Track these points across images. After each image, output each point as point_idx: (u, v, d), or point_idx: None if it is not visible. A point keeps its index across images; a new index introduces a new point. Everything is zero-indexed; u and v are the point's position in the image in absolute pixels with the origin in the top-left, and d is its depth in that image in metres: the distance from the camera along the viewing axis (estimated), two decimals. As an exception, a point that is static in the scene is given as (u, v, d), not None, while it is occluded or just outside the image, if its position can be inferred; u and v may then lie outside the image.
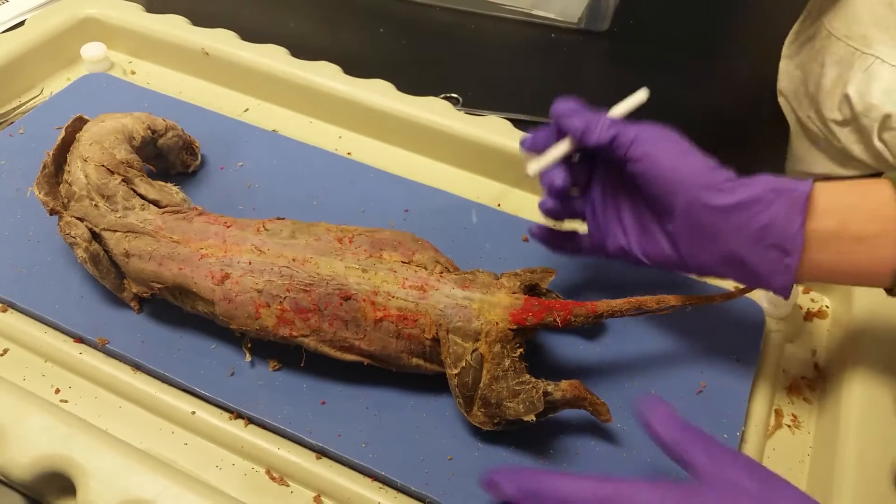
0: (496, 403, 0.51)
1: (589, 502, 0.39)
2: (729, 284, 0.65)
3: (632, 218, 0.54)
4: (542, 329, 0.53)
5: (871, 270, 0.46)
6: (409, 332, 0.53)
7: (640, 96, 0.55)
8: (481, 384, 0.51)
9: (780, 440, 0.57)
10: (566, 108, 0.53)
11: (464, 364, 0.51)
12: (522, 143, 0.56)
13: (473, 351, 0.51)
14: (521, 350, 0.52)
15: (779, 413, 0.58)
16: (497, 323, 0.51)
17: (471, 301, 0.52)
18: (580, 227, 0.58)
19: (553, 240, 0.59)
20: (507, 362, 0.51)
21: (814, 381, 0.60)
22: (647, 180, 0.50)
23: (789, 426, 0.57)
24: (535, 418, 0.50)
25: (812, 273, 0.47)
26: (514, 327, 0.51)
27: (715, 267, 0.50)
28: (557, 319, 0.52)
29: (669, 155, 0.49)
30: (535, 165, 0.54)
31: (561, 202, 0.56)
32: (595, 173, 0.56)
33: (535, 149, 0.55)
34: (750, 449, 0.55)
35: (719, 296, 0.55)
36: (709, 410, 0.55)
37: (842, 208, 0.46)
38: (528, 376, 0.51)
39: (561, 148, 0.54)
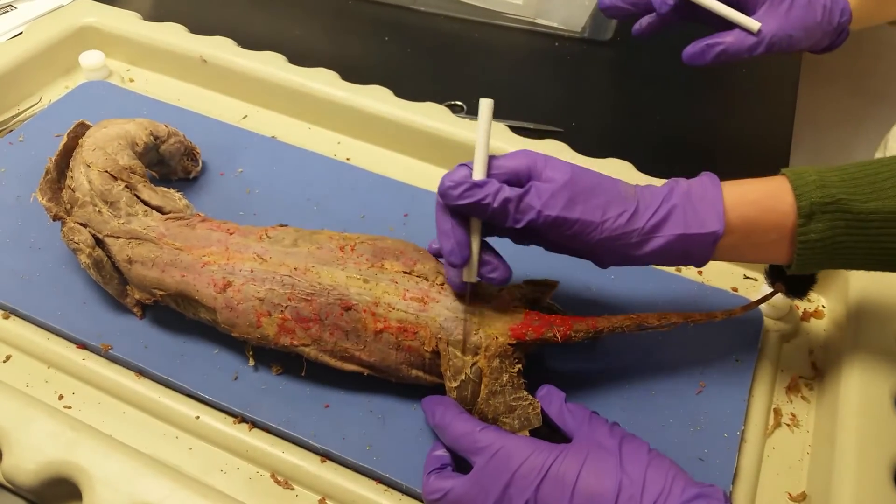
0: (493, 418, 0.51)
1: (470, 443, 0.48)
2: (732, 283, 0.66)
3: (569, 252, 0.53)
4: (542, 344, 0.53)
5: (772, 260, 0.53)
6: (409, 344, 0.53)
7: (486, 111, 0.52)
8: (479, 398, 0.51)
9: (780, 439, 0.57)
10: (453, 198, 0.49)
11: (463, 377, 0.51)
12: (452, 262, 0.50)
13: (472, 365, 0.51)
14: (519, 366, 0.52)
15: (777, 412, 0.58)
16: (497, 337, 0.52)
17: (471, 314, 0.53)
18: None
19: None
20: (505, 377, 0.51)
21: (812, 381, 0.61)
22: (568, 241, 0.51)
23: (788, 425, 0.58)
24: (528, 434, 0.50)
25: (717, 259, 0.52)
26: (514, 342, 0.52)
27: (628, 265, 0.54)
28: (557, 335, 0.52)
29: (585, 224, 0.49)
30: (473, 273, 0.51)
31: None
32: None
33: (464, 258, 0.50)
34: (750, 448, 0.55)
35: (721, 313, 0.55)
36: (708, 410, 0.56)
37: (745, 225, 0.50)
38: (525, 392, 0.51)
39: (477, 239, 0.50)
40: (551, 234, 0.50)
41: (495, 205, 0.48)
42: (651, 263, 0.52)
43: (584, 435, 0.48)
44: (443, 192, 0.49)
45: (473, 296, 0.53)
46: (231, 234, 0.58)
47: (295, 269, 0.55)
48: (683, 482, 0.45)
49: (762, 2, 0.66)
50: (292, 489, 0.53)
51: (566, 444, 0.48)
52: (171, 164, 0.69)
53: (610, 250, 0.51)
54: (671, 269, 0.67)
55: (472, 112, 0.84)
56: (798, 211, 0.49)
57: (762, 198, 0.50)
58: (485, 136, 0.50)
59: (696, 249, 0.50)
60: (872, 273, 0.62)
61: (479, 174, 0.49)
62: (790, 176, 0.50)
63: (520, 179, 0.50)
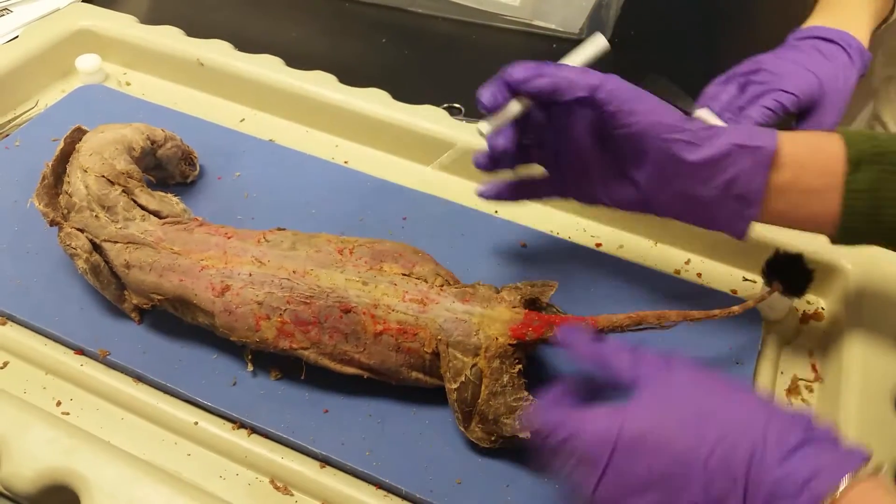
0: (493, 419, 0.51)
1: (548, 427, 0.44)
2: (731, 285, 0.66)
3: (598, 167, 0.55)
4: (542, 344, 0.53)
5: (818, 220, 0.51)
6: (408, 345, 0.53)
7: (598, 44, 0.56)
8: (480, 399, 0.51)
9: (780, 442, 0.57)
10: (526, 72, 0.52)
11: (463, 379, 0.51)
12: (480, 103, 0.54)
13: (473, 366, 0.51)
14: (519, 366, 0.52)
15: (778, 415, 0.58)
16: (497, 338, 0.51)
17: (471, 315, 0.52)
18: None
19: (509, 194, 0.60)
20: (505, 378, 0.51)
21: (812, 383, 0.61)
22: (620, 132, 0.51)
23: (789, 428, 0.58)
24: (530, 436, 0.50)
25: (767, 219, 0.52)
26: (514, 342, 0.51)
27: (678, 211, 0.54)
28: (557, 334, 0.52)
29: (643, 108, 0.50)
30: (488, 126, 0.54)
31: (505, 154, 0.56)
32: (554, 124, 0.56)
33: (494, 103, 0.53)
34: (750, 451, 0.55)
35: (720, 312, 0.55)
36: (709, 413, 0.56)
37: (796, 161, 0.49)
38: (525, 393, 0.51)
39: (513, 109, 0.54)
40: (606, 117, 0.51)
41: (557, 77, 0.51)
42: (698, 191, 0.50)
43: (647, 384, 0.44)
44: (509, 72, 0.53)
45: (473, 296, 0.53)
46: (229, 237, 0.58)
47: (293, 272, 0.54)
48: (783, 427, 0.40)
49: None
50: (292, 495, 0.53)
51: (630, 404, 0.43)
52: (168, 169, 0.69)
53: (659, 149, 0.50)
54: (670, 271, 0.67)
55: (471, 114, 0.84)
56: (847, 158, 0.48)
57: (813, 141, 0.50)
58: (582, 56, 0.55)
59: (749, 171, 0.49)
60: (871, 275, 0.63)
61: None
62: (841, 130, 0.50)
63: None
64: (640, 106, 0.50)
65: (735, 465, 0.39)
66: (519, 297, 0.54)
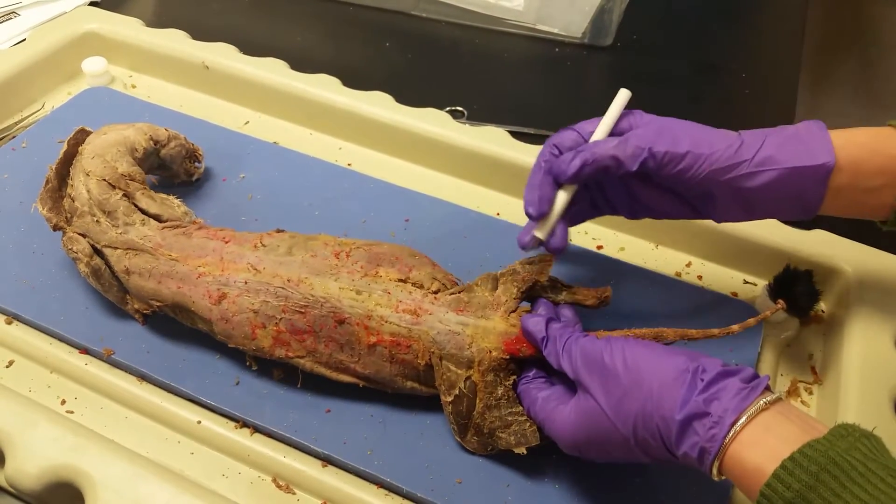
0: (489, 433, 0.51)
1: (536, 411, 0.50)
2: (732, 287, 0.66)
3: (660, 208, 0.56)
4: (536, 357, 0.51)
5: (873, 212, 0.53)
6: (402, 357, 0.53)
7: (622, 98, 0.55)
8: (475, 412, 0.51)
9: (780, 443, 0.57)
10: (570, 164, 0.52)
11: (457, 392, 0.51)
12: (529, 214, 0.54)
13: (467, 379, 0.51)
14: (514, 377, 0.52)
15: (777, 416, 0.59)
16: (490, 351, 0.51)
17: (464, 327, 0.52)
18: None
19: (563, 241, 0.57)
20: (500, 391, 0.51)
21: (811, 385, 0.61)
22: (681, 185, 0.53)
23: (788, 429, 0.58)
24: (525, 451, 0.50)
25: (825, 212, 0.53)
26: (508, 356, 0.51)
27: (737, 218, 0.55)
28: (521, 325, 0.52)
29: (695, 156, 0.51)
30: (543, 230, 0.54)
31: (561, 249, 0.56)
32: (607, 195, 0.57)
33: (542, 212, 0.53)
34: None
35: (719, 332, 0.54)
36: (709, 414, 0.56)
37: (854, 164, 0.50)
38: (521, 407, 0.51)
39: (562, 201, 0.54)
40: (663, 175, 0.51)
41: (603, 160, 0.51)
42: (766, 210, 0.52)
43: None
44: (553, 169, 0.53)
45: (468, 304, 0.53)
46: (227, 242, 0.58)
47: (288, 280, 0.55)
48: (673, 396, 0.43)
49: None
50: (294, 493, 0.53)
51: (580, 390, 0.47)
52: (172, 168, 0.69)
53: (722, 187, 0.51)
54: (671, 274, 0.67)
55: (473, 118, 0.85)
56: None
57: (870, 141, 0.51)
58: (612, 114, 0.54)
59: (810, 186, 0.50)
60: (871, 278, 0.63)
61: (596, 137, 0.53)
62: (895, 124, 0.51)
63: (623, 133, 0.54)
64: (694, 157, 0.51)
65: (651, 444, 0.43)
66: (515, 290, 0.54)
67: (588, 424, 0.46)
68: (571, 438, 0.47)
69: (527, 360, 0.52)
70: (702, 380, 0.42)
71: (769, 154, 0.50)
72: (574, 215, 0.58)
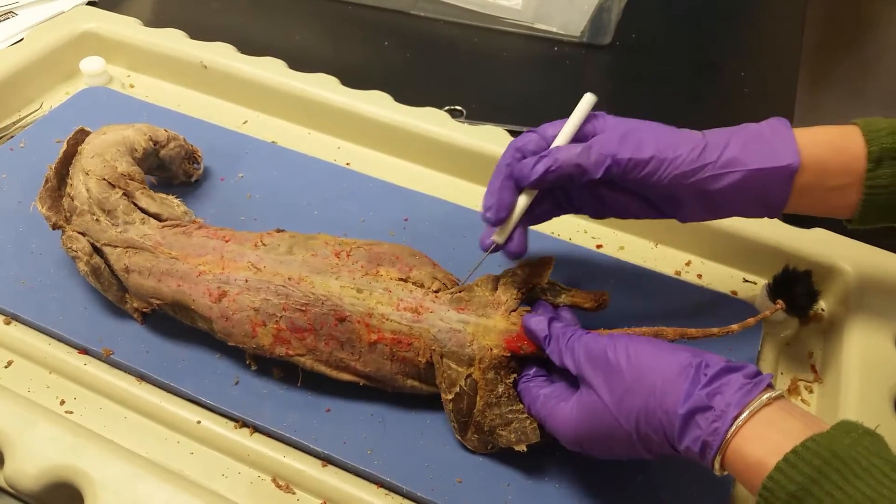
0: (489, 431, 0.51)
1: (538, 409, 0.50)
2: (732, 286, 0.66)
3: (622, 209, 0.55)
4: (537, 355, 0.52)
5: (839, 210, 0.52)
6: (403, 355, 0.53)
7: (586, 103, 0.54)
8: (475, 410, 0.51)
9: (780, 442, 0.57)
10: (531, 169, 0.52)
11: (458, 389, 0.51)
12: (488, 219, 0.53)
13: (467, 376, 0.51)
14: (514, 375, 0.52)
15: (777, 415, 0.59)
16: (491, 349, 0.51)
17: (465, 325, 0.52)
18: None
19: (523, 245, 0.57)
20: (500, 388, 0.51)
21: (811, 383, 0.61)
22: (645, 190, 0.52)
23: (788, 428, 0.58)
24: (525, 449, 0.50)
25: (789, 210, 0.53)
26: (509, 354, 0.51)
27: (703, 218, 0.55)
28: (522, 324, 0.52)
29: (659, 160, 0.50)
30: (503, 235, 0.53)
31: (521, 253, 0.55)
32: (568, 194, 0.56)
33: (499, 218, 0.53)
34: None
35: (718, 331, 0.54)
36: (709, 413, 0.56)
37: (818, 164, 0.50)
38: (521, 405, 0.51)
39: (522, 205, 0.53)
40: (627, 180, 0.51)
41: (566, 167, 0.51)
42: (731, 210, 0.52)
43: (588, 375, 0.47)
44: (514, 172, 0.52)
45: (469, 303, 0.53)
46: (227, 241, 0.58)
47: (289, 278, 0.55)
48: (676, 391, 0.43)
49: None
50: (294, 493, 0.53)
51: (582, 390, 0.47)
52: (171, 169, 0.69)
53: (687, 190, 0.51)
54: (671, 273, 0.67)
55: (472, 117, 0.85)
56: (868, 155, 0.49)
57: (834, 139, 0.51)
58: (575, 120, 0.53)
59: (774, 186, 0.50)
60: (870, 277, 0.63)
61: (559, 142, 0.53)
62: (861, 124, 0.51)
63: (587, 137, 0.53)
64: (658, 162, 0.50)
65: (653, 440, 0.43)
66: (516, 291, 0.54)
67: (591, 420, 0.46)
68: (574, 434, 0.47)
69: (527, 358, 0.52)
70: (705, 374, 0.42)
71: (733, 156, 0.50)
72: (538, 215, 0.57)
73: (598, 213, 0.56)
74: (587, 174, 0.51)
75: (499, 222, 0.53)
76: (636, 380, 0.44)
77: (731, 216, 0.54)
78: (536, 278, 0.55)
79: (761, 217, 0.54)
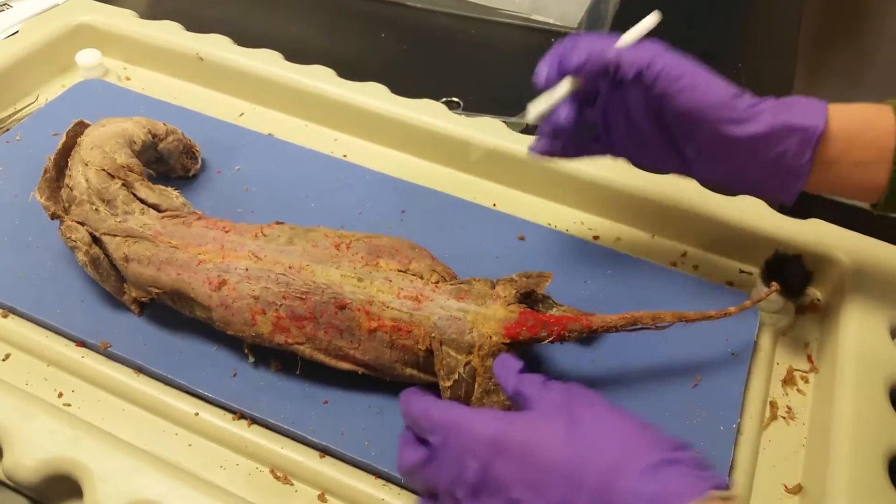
0: None
1: (427, 420, 0.45)
2: (728, 277, 0.66)
3: (649, 138, 0.55)
4: (536, 343, 0.53)
5: (864, 189, 0.52)
6: (402, 342, 0.53)
7: (650, 20, 0.54)
8: (473, 397, 0.52)
9: (776, 431, 0.58)
10: (575, 53, 0.53)
11: (456, 377, 0.52)
12: (536, 82, 0.55)
13: (466, 364, 0.51)
14: None
15: (773, 405, 0.59)
16: (490, 336, 0.52)
17: (465, 313, 0.53)
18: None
19: (561, 150, 0.58)
20: None
21: (807, 373, 0.61)
22: (669, 110, 0.52)
23: (784, 418, 0.58)
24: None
25: (813, 188, 0.52)
26: (508, 341, 0.52)
27: (726, 182, 0.55)
28: (551, 334, 0.52)
29: (691, 86, 0.51)
30: (537, 108, 0.54)
31: (565, 130, 0.55)
32: (605, 99, 0.56)
33: (551, 78, 0.54)
34: (746, 440, 0.56)
35: (716, 313, 0.55)
36: (705, 403, 0.56)
37: (846, 135, 0.50)
38: None
39: (562, 89, 0.54)
40: (656, 92, 0.51)
41: (610, 59, 0.51)
42: (747, 176, 0.52)
43: (537, 402, 0.45)
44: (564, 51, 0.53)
45: (468, 293, 0.54)
46: (227, 231, 0.58)
47: (290, 267, 0.55)
48: (646, 445, 0.40)
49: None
50: (292, 484, 0.53)
51: (518, 413, 0.44)
52: (169, 163, 0.69)
53: (709, 130, 0.51)
54: (667, 264, 0.67)
55: (469, 108, 0.85)
56: None
57: (865, 113, 0.51)
58: (638, 31, 0.54)
59: (796, 149, 0.50)
60: (866, 266, 0.63)
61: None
62: (893, 102, 0.51)
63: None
64: (688, 84, 0.51)
65: (586, 483, 0.39)
66: (514, 290, 0.54)
67: (514, 433, 0.42)
68: (494, 434, 0.43)
69: (526, 346, 0.53)
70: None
71: (761, 108, 0.50)
72: (578, 145, 0.58)
73: (623, 144, 0.57)
74: (622, 70, 0.51)
75: (548, 86, 0.54)
76: (609, 420, 0.42)
77: (746, 188, 0.54)
78: (533, 286, 0.55)
79: (782, 195, 0.53)
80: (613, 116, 0.56)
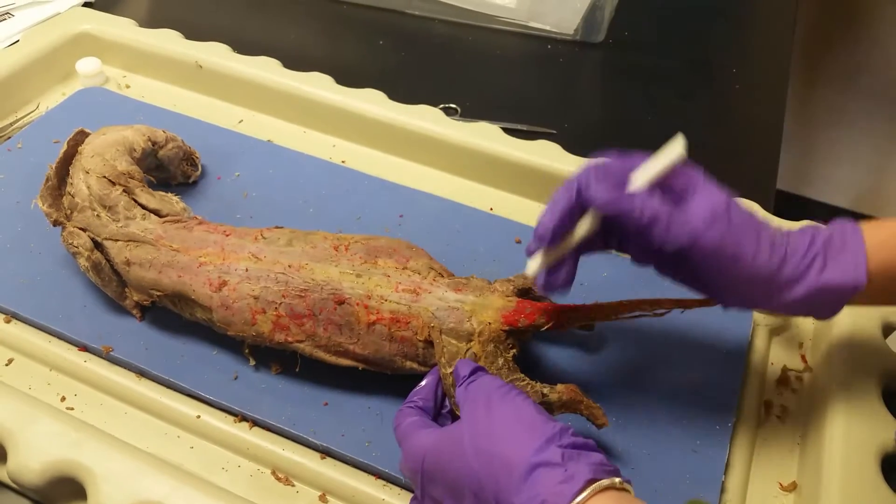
0: None
1: (397, 436, 0.49)
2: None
3: (670, 273, 0.50)
4: (535, 330, 0.53)
5: None
6: (401, 334, 0.54)
7: (676, 151, 0.46)
8: None
9: (771, 431, 0.58)
10: (610, 196, 0.46)
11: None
12: (540, 236, 0.48)
13: (467, 350, 0.52)
14: (514, 351, 0.53)
15: (768, 404, 0.60)
16: (490, 324, 0.52)
17: (463, 303, 0.53)
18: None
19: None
20: (500, 361, 0.52)
21: (801, 373, 0.62)
22: (705, 271, 0.47)
23: (779, 417, 0.59)
24: None
25: (853, 304, 0.49)
26: (507, 328, 0.53)
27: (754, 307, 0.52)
28: (549, 321, 0.53)
29: (736, 257, 0.46)
30: (535, 265, 0.49)
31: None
32: (623, 240, 0.51)
33: (556, 236, 0.47)
34: (741, 439, 0.56)
35: (713, 299, 0.54)
36: (700, 403, 0.57)
37: (886, 272, 0.47)
38: (521, 374, 0.52)
39: (583, 229, 0.48)
40: (694, 263, 0.46)
41: (645, 218, 0.45)
42: (779, 312, 0.49)
43: (462, 409, 0.47)
44: (586, 185, 0.46)
45: (466, 286, 0.54)
46: (227, 235, 0.59)
47: (289, 266, 0.56)
48: (527, 445, 0.41)
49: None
50: (293, 485, 0.54)
51: (448, 427, 0.47)
52: (170, 170, 0.70)
53: (746, 291, 0.48)
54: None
55: (467, 115, 0.86)
56: None
57: None
58: (664, 163, 0.46)
59: (832, 300, 0.48)
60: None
61: (637, 183, 0.46)
62: None
63: (672, 192, 0.47)
64: (730, 261, 0.46)
65: (487, 490, 0.42)
66: (511, 287, 0.55)
67: (445, 446, 0.45)
68: (423, 454, 0.46)
69: (525, 333, 0.53)
70: (562, 442, 0.41)
71: (804, 270, 0.47)
72: (581, 247, 0.50)
73: (642, 259, 0.51)
74: (657, 236, 0.45)
75: (554, 241, 0.48)
76: (499, 424, 0.43)
77: (779, 309, 0.50)
78: (531, 284, 0.56)
79: (811, 314, 0.50)
80: (631, 249, 0.51)
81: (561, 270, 0.49)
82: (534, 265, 0.49)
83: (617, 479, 0.40)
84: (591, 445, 0.42)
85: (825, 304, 0.48)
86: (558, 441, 0.41)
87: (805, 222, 0.68)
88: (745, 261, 0.46)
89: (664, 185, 0.47)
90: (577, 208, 0.47)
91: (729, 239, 0.45)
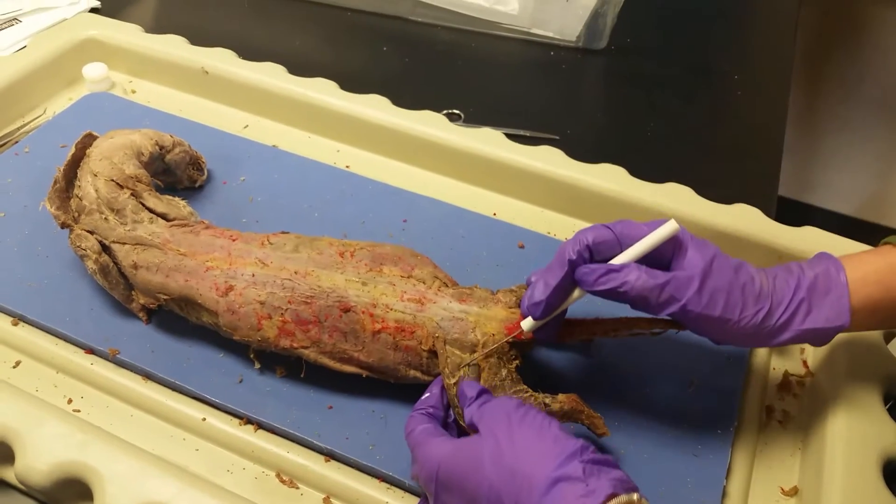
0: None
1: (410, 443, 0.50)
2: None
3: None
4: (538, 344, 0.54)
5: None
6: (406, 343, 0.54)
7: (668, 230, 0.50)
8: None
9: (772, 435, 0.59)
10: (605, 279, 0.49)
11: (461, 373, 0.53)
12: (534, 313, 0.51)
13: (471, 362, 0.52)
14: (517, 362, 0.54)
15: (770, 409, 0.60)
16: (493, 335, 0.53)
17: (467, 314, 0.54)
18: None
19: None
20: (503, 372, 0.53)
21: (803, 378, 0.62)
22: (699, 329, 0.51)
23: (780, 422, 0.59)
24: None
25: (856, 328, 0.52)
26: (510, 340, 0.53)
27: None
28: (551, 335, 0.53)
29: (724, 322, 0.49)
30: (529, 325, 0.52)
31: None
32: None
33: (547, 314, 0.51)
34: (743, 444, 0.57)
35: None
36: (702, 408, 0.57)
37: (870, 305, 0.50)
38: (524, 386, 0.53)
39: (571, 300, 0.52)
40: (685, 321, 0.50)
41: (633, 294, 0.48)
42: (774, 345, 0.52)
43: (479, 425, 0.48)
44: (578, 274, 0.50)
45: (470, 297, 0.55)
46: (234, 240, 0.59)
47: (295, 272, 0.56)
48: (545, 463, 0.43)
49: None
50: (297, 488, 0.54)
51: (465, 439, 0.47)
52: (176, 174, 0.70)
53: (737, 341, 0.51)
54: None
55: (470, 121, 0.86)
56: None
57: (884, 278, 0.50)
58: (650, 242, 0.50)
59: (819, 339, 0.51)
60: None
61: (622, 259, 0.50)
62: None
63: (661, 257, 0.51)
64: (721, 319, 0.49)
65: (507, 501, 0.43)
66: (514, 298, 0.56)
67: (462, 458, 0.46)
68: (437, 462, 0.47)
69: (527, 346, 0.54)
70: (585, 458, 0.43)
71: (788, 318, 0.50)
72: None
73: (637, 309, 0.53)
74: (650, 308, 0.49)
75: (546, 314, 0.51)
76: (521, 442, 0.44)
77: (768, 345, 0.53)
78: None
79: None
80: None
81: (549, 325, 0.53)
82: (527, 325, 0.52)
83: (636, 495, 0.41)
84: (612, 462, 0.44)
85: (813, 341, 0.52)
86: (580, 457, 0.43)
87: (806, 227, 0.68)
88: (731, 322, 0.49)
89: (652, 253, 0.50)
90: (569, 282, 0.51)
91: (714, 305, 0.49)
